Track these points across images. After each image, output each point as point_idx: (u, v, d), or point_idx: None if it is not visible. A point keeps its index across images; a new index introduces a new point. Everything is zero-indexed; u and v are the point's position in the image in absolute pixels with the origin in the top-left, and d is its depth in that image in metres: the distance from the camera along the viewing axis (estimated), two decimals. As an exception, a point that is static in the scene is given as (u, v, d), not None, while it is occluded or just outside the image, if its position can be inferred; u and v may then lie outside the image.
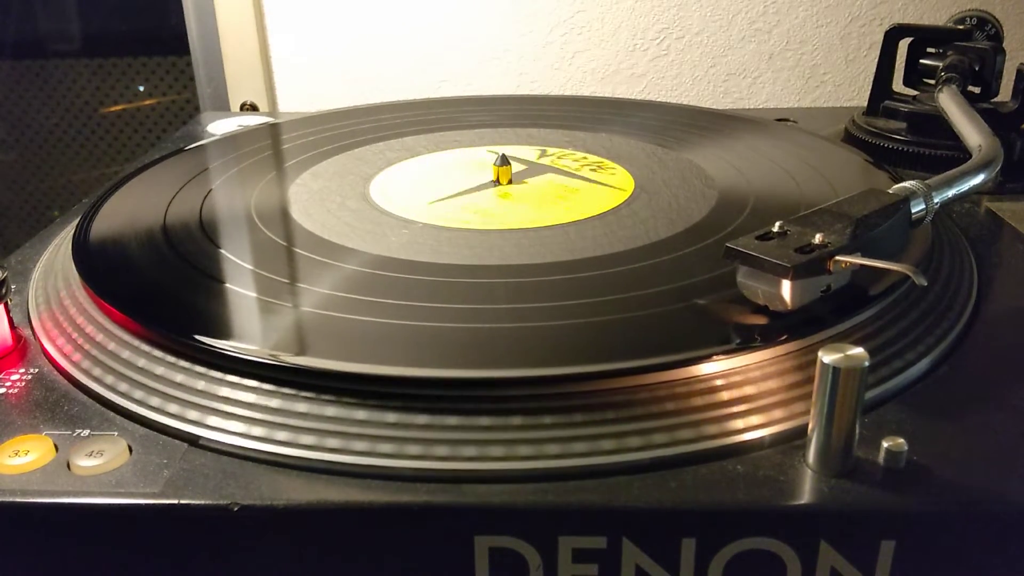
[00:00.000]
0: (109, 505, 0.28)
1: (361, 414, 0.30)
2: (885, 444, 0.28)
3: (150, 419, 0.32)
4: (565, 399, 0.30)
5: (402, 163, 0.55)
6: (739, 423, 0.30)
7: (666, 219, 0.45)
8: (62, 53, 1.09)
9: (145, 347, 0.34)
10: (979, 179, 0.42)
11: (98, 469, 0.29)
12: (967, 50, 0.58)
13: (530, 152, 0.57)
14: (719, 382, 0.31)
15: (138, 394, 0.32)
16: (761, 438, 0.30)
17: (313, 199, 0.49)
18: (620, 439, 0.29)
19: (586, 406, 0.30)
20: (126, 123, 1.12)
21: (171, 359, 0.33)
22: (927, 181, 0.39)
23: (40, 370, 0.35)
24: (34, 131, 1.12)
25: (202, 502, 0.28)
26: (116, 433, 0.31)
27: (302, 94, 0.95)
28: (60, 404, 0.33)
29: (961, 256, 0.42)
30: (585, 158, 0.55)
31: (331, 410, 0.30)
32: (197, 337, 0.33)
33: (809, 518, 0.27)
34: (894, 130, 0.60)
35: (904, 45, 0.62)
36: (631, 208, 0.47)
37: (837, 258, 0.33)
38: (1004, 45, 0.59)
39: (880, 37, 0.63)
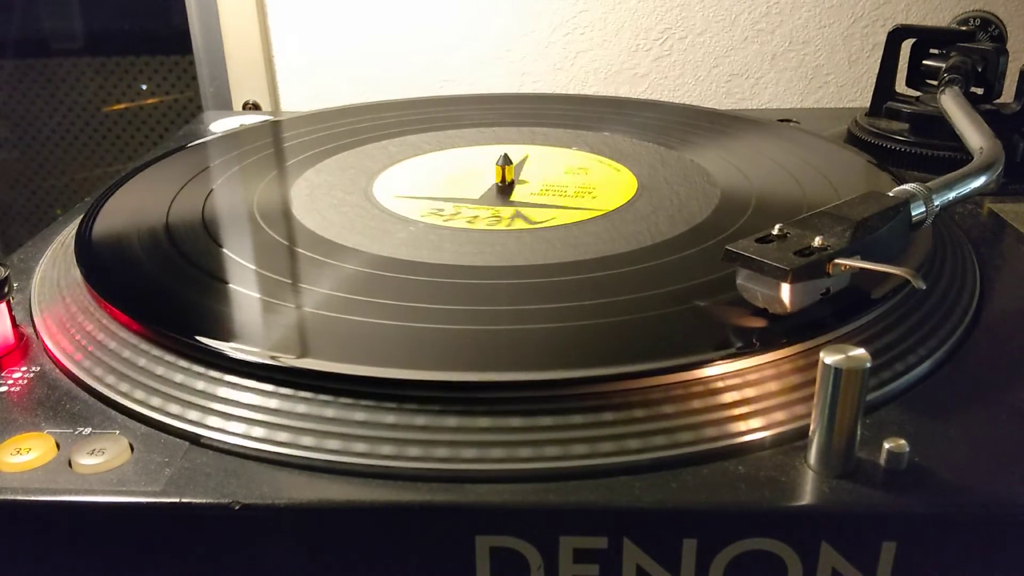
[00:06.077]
0: (110, 503, 0.28)
1: (363, 415, 0.30)
2: (887, 445, 0.28)
3: (152, 418, 0.32)
4: (567, 401, 0.30)
5: (405, 161, 0.55)
6: (740, 424, 0.30)
7: (668, 220, 0.45)
8: (65, 52, 1.09)
9: (147, 346, 0.34)
10: (980, 182, 0.42)
11: (100, 467, 0.29)
12: (970, 51, 0.58)
13: (533, 151, 0.57)
14: (720, 384, 0.31)
15: (140, 393, 0.33)
16: (762, 439, 0.30)
17: (315, 197, 0.49)
18: (621, 440, 0.29)
19: (588, 408, 0.30)
20: (129, 122, 1.12)
21: (172, 359, 0.33)
22: (928, 184, 0.39)
23: (42, 368, 0.35)
24: (37, 129, 1.12)
25: (203, 501, 0.28)
26: (118, 431, 0.31)
27: (305, 94, 0.95)
28: (62, 402, 0.33)
29: (963, 258, 0.42)
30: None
31: (333, 411, 0.30)
32: (199, 338, 0.33)
33: (810, 519, 0.27)
34: (896, 131, 0.60)
35: (907, 46, 0.62)
36: (634, 208, 0.47)
37: (836, 261, 0.33)
38: (1007, 46, 0.59)
39: (883, 38, 0.63)
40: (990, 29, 0.61)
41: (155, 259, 0.41)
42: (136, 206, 0.48)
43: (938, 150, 0.56)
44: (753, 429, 0.30)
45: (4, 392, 0.34)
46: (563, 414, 0.30)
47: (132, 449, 0.30)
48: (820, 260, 0.33)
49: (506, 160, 0.51)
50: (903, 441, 0.28)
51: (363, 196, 0.49)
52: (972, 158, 0.45)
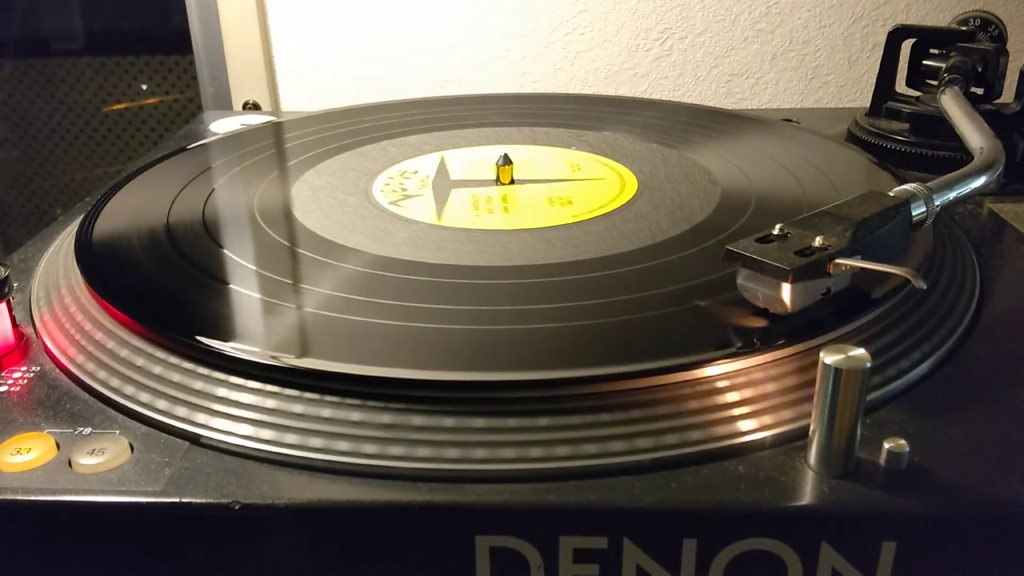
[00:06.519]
0: (110, 503, 0.28)
1: (363, 415, 0.30)
2: (886, 445, 0.28)
3: (152, 417, 0.32)
4: (567, 401, 0.30)
5: (405, 162, 0.55)
6: (740, 424, 0.30)
7: (669, 219, 0.45)
8: (65, 52, 1.09)
9: (146, 346, 0.34)
10: (980, 182, 0.42)
11: (100, 467, 0.29)
12: (970, 51, 0.58)
13: (534, 151, 0.57)
14: (720, 384, 0.31)
15: (140, 393, 0.33)
16: (762, 439, 0.30)
17: (316, 198, 0.49)
18: (622, 440, 0.29)
19: (588, 408, 0.30)
20: (129, 122, 1.12)
21: (173, 359, 0.33)
22: (928, 184, 0.39)
23: (42, 368, 0.35)
24: (37, 129, 1.12)
25: (203, 501, 0.28)
26: (118, 431, 0.31)
27: (305, 93, 0.95)
28: (62, 402, 0.33)
29: (963, 258, 0.42)
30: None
31: (333, 411, 0.30)
32: (199, 338, 0.33)
33: (810, 519, 0.27)
34: (897, 131, 0.60)
35: (907, 46, 0.62)
36: (634, 208, 0.47)
37: (837, 261, 0.33)
38: (1007, 46, 0.59)
39: (883, 38, 0.63)
40: (990, 29, 0.61)
41: (155, 259, 0.41)
42: (136, 206, 0.48)
43: (938, 150, 0.56)
44: (753, 429, 0.30)
45: (4, 392, 0.34)
46: (564, 414, 0.30)
47: (132, 449, 0.30)
48: (821, 260, 0.33)
49: (506, 160, 0.51)
50: (903, 441, 0.28)
51: (364, 197, 0.49)
52: (972, 158, 0.45)
